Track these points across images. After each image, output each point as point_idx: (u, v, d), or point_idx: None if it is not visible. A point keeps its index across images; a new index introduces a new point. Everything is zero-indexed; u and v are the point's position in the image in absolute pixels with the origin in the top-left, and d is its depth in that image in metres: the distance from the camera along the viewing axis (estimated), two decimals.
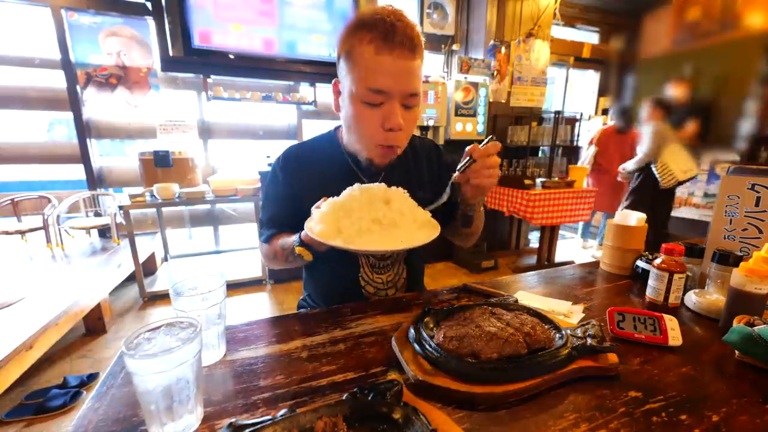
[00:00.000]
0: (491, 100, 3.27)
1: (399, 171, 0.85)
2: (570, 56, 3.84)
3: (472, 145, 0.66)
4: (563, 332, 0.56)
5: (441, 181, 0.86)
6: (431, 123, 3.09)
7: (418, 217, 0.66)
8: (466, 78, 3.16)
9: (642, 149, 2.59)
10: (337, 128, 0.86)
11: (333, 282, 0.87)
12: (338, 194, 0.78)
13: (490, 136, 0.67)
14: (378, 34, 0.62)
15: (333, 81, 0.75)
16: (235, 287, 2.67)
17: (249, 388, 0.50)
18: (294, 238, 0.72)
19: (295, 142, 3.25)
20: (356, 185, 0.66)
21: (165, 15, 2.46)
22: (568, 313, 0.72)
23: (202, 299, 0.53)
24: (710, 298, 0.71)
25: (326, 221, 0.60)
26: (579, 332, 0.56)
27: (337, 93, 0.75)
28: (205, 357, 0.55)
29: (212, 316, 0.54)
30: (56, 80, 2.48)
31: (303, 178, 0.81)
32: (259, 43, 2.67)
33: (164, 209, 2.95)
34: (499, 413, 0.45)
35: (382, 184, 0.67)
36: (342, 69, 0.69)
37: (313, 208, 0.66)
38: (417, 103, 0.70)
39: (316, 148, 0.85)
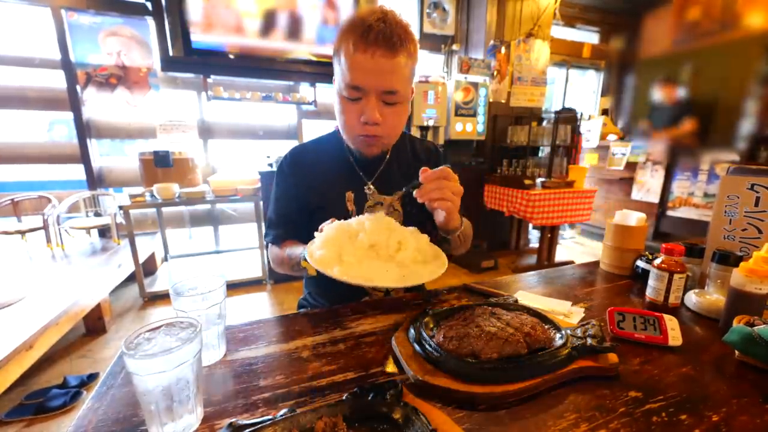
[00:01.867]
0: (491, 100, 3.27)
1: (396, 169, 0.88)
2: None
3: (423, 168, 0.68)
4: (563, 332, 0.56)
5: None
6: (431, 123, 3.09)
7: (423, 247, 0.65)
8: (466, 78, 3.16)
9: None
10: None
11: None
12: (340, 190, 0.81)
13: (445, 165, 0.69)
14: (356, 33, 0.65)
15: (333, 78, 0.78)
16: (235, 287, 2.67)
17: (249, 388, 0.50)
18: (302, 250, 0.73)
19: (295, 142, 3.26)
20: (367, 214, 0.66)
21: (165, 15, 2.47)
22: (568, 313, 0.72)
23: (203, 299, 0.53)
24: (710, 298, 0.71)
25: (328, 246, 0.59)
26: (579, 332, 0.56)
27: None
28: (205, 357, 0.55)
29: (212, 316, 0.54)
30: (56, 80, 2.48)
31: (308, 176, 0.84)
32: (259, 43, 2.67)
33: (164, 209, 2.95)
34: (499, 413, 0.45)
35: (390, 218, 0.66)
36: (335, 67, 0.74)
37: (316, 233, 0.66)
38: (399, 101, 0.72)
39: (321, 147, 0.88)
